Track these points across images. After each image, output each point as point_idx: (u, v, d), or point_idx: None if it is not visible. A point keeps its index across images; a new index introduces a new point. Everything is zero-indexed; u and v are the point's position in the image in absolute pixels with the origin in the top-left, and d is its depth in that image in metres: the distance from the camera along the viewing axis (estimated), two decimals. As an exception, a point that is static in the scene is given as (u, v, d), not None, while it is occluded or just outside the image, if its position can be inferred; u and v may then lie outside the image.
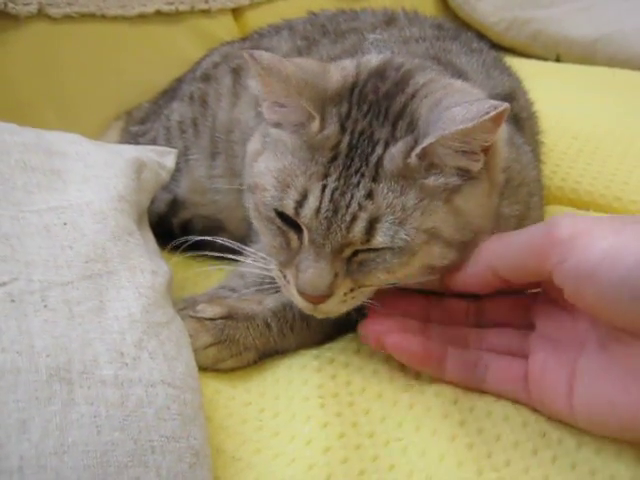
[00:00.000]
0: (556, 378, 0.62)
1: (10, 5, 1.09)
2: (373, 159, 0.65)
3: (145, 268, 0.69)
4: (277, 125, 0.70)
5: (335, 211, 0.64)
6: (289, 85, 0.66)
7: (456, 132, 0.62)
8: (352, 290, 0.68)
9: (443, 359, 0.69)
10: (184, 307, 0.78)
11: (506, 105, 0.61)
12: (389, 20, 1.03)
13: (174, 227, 1.05)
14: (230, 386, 0.72)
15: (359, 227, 0.64)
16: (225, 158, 1.01)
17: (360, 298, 0.69)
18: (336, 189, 0.65)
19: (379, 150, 0.65)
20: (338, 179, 0.65)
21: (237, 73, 1.04)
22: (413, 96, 0.69)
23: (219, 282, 0.88)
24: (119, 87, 1.26)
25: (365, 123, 0.67)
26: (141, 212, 0.81)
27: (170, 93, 1.16)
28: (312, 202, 0.65)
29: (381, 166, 0.65)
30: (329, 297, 0.67)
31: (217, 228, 1.04)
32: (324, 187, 0.65)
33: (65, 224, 0.68)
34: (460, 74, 0.83)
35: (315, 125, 0.67)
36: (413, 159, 0.64)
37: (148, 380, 0.58)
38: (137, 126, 1.14)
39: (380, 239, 0.64)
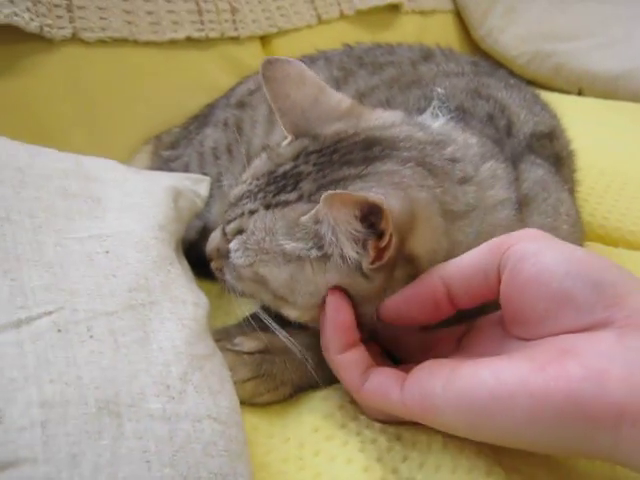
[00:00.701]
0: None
1: (46, 29, 1.10)
2: (281, 197, 0.69)
3: (187, 299, 0.69)
4: None
5: (235, 204, 0.74)
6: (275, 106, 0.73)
7: (330, 207, 0.61)
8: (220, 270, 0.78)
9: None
10: (219, 339, 0.77)
11: (376, 200, 0.58)
12: (426, 55, 1.04)
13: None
14: (267, 422, 0.71)
15: (232, 226, 0.73)
16: None
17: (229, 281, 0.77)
18: (249, 191, 0.73)
19: (291, 197, 0.68)
20: (257, 186, 0.72)
21: None
22: (358, 177, 0.66)
23: (250, 311, 0.87)
24: (149, 111, 1.27)
25: (307, 169, 0.70)
26: (178, 241, 0.81)
27: (201, 119, 1.16)
28: (237, 189, 0.75)
29: (279, 206, 0.69)
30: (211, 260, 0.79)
31: None
32: (248, 184, 0.74)
33: (107, 252, 0.68)
34: (502, 108, 0.83)
35: (286, 141, 0.74)
36: (304, 219, 0.65)
37: (195, 415, 0.57)
38: (168, 151, 1.14)
39: (231, 245, 0.73)
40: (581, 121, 1.61)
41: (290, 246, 0.67)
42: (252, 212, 0.71)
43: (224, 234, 0.76)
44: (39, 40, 1.10)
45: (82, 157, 0.85)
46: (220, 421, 0.59)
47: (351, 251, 0.62)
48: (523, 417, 0.50)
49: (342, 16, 1.68)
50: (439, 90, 0.90)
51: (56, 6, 1.13)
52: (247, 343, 0.75)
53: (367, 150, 0.69)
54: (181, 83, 1.33)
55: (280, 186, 0.70)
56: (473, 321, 0.65)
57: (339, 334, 0.64)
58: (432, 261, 0.64)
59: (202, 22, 1.36)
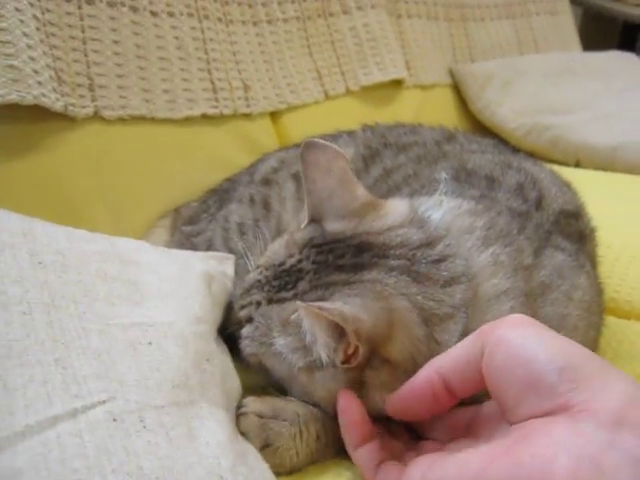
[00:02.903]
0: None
1: (70, 108, 1.13)
2: (281, 294, 0.74)
3: (219, 403, 0.71)
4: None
5: (247, 291, 0.78)
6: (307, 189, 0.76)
7: (307, 316, 0.67)
8: None
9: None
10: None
11: (339, 322, 0.63)
12: (449, 137, 1.07)
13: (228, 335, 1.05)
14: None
15: (243, 314, 0.77)
16: None
17: None
18: (259, 281, 0.77)
19: (289, 295, 0.73)
20: (265, 277, 0.76)
21: (298, 180, 1.07)
22: (346, 283, 0.70)
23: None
24: (165, 186, 1.29)
25: (307, 267, 0.74)
26: (217, 326, 0.83)
27: (221, 193, 1.18)
28: (252, 274, 0.79)
29: (278, 303, 0.73)
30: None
31: None
32: (259, 274, 0.78)
33: (150, 344, 0.70)
34: (534, 181, 0.86)
35: (304, 223, 0.77)
36: (293, 318, 0.70)
37: None
38: (189, 226, 1.15)
39: (243, 331, 0.77)
40: (581, 193, 1.65)
41: (282, 343, 0.71)
42: (258, 304, 0.76)
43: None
44: (63, 119, 1.13)
45: (113, 238, 0.86)
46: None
47: (323, 354, 0.67)
48: None
49: (348, 92, 1.72)
50: (445, 175, 0.93)
51: (79, 85, 1.17)
52: (252, 404, 0.75)
53: (358, 256, 0.72)
54: (196, 158, 1.36)
55: (283, 283, 0.74)
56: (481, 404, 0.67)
57: (351, 432, 0.67)
58: (412, 363, 0.67)
59: (216, 99, 1.40)
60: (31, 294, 0.68)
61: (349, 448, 0.67)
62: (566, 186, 0.97)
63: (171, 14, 1.34)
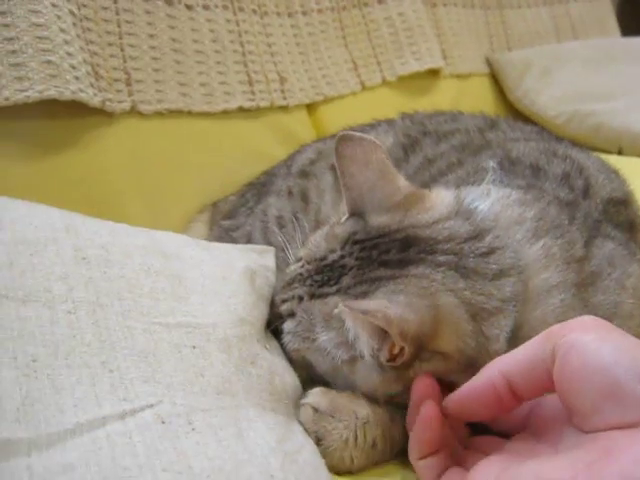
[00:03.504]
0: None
1: (107, 103, 1.12)
2: (324, 289, 0.72)
3: (267, 406, 0.69)
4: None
5: (288, 285, 0.77)
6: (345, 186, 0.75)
7: (349, 317, 0.66)
8: None
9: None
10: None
11: (385, 320, 0.62)
12: (492, 124, 1.05)
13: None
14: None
15: (285, 308, 0.76)
16: None
17: None
18: (300, 275, 0.76)
19: (332, 291, 0.71)
20: (307, 272, 0.75)
21: (336, 171, 1.04)
22: (391, 278, 0.69)
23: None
24: (203, 180, 1.28)
25: (350, 262, 0.72)
26: (264, 322, 0.81)
27: (259, 187, 1.17)
28: (293, 267, 0.78)
29: (321, 298, 0.72)
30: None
31: None
32: (300, 267, 0.76)
33: (194, 347, 0.69)
34: (580, 169, 0.83)
35: (344, 217, 0.75)
36: (335, 313, 0.67)
37: None
38: (228, 220, 1.15)
39: (284, 326, 0.76)
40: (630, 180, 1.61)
41: (325, 338, 0.70)
42: (300, 299, 0.74)
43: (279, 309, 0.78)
44: (100, 114, 1.12)
45: (154, 232, 0.85)
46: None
47: (367, 353, 0.66)
48: None
49: (384, 82, 1.70)
50: (492, 164, 0.90)
51: (116, 80, 1.16)
52: (311, 398, 0.74)
53: (404, 252, 0.70)
54: (233, 152, 1.35)
55: (325, 278, 0.73)
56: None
57: (422, 446, 0.63)
58: (462, 355, 0.66)
59: (253, 92, 1.38)
60: (76, 292, 0.67)
61: (412, 457, 0.64)
62: (614, 173, 0.94)
63: (206, 7, 1.33)
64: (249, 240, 1.06)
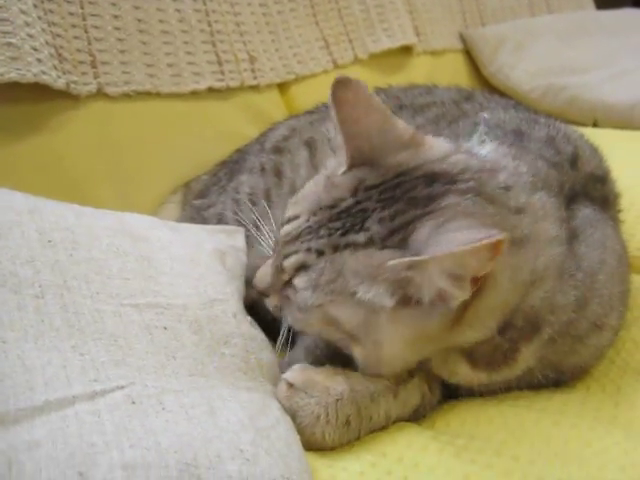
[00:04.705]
0: None
1: (72, 86, 1.10)
2: (350, 238, 0.68)
3: (241, 385, 0.69)
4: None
5: (293, 240, 0.71)
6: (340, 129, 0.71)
7: (449, 254, 0.61)
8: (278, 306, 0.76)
9: None
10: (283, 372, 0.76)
11: (502, 236, 0.59)
12: (468, 96, 1.05)
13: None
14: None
15: (292, 261, 0.71)
16: None
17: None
18: (309, 227, 0.71)
19: (360, 238, 0.67)
20: (317, 222, 0.70)
21: (311, 146, 1.04)
22: (425, 215, 0.67)
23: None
24: (173, 162, 1.26)
25: (371, 206, 0.69)
26: (240, 298, 0.80)
27: (231, 165, 1.16)
28: (291, 225, 0.72)
29: (349, 248, 0.68)
30: (266, 296, 0.77)
31: None
32: (306, 220, 0.71)
33: (165, 329, 0.68)
34: (567, 137, 0.85)
35: (341, 169, 0.72)
36: (390, 267, 0.64)
37: (269, 475, 0.57)
38: (200, 199, 1.13)
39: (297, 283, 0.71)
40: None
41: (364, 291, 0.67)
42: (319, 252, 0.69)
43: (279, 270, 0.73)
44: (66, 97, 1.11)
45: (122, 214, 0.84)
46: (292, 480, 0.58)
47: (453, 289, 0.63)
48: None
49: (356, 60, 1.69)
50: (485, 115, 0.91)
51: (81, 62, 1.14)
52: (289, 374, 0.73)
53: (430, 186, 0.68)
54: (204, 132, 1.33)
55: (347, 225, 0.69)
56: None
57: None
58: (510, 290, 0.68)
59: (222, 72, 1.37)
60: (43, 275, 0.66)
61: None
62: (595, 150, 0.94)
63: (172, -14, 1.31)
64: (220, 219, 1.05)
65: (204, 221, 1.05)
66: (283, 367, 0.77)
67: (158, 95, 1.26)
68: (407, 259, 0.63)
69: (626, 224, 1.23)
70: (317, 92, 1.51)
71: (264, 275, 0.77)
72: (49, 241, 0.70)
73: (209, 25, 1.37)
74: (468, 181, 0.68)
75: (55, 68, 1.07)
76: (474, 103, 1.01)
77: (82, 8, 1.17)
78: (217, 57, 1.36)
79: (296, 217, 0.73)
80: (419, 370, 0.79)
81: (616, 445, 0.73)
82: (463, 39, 2.09)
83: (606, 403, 0.80)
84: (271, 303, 0.77)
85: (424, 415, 0.81)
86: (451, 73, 1.97)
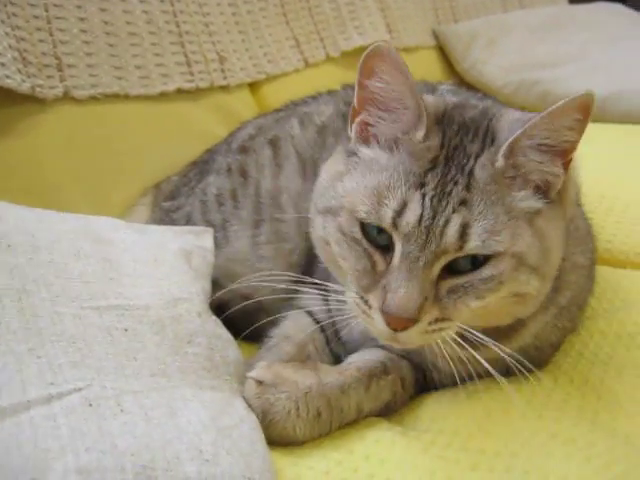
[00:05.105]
0: None
1: (38, 89, 1.10)
2: (466, 170, 0.69)
3: (205, 384, 0.69)
4: (368, 142, 0.74)
5: (433, 218, 0.67)
6: (409, 82, 0.70)
7: (543, 118, 0.67)
8: (437, 321, 0.68)
9: None
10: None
11: (592, 92, 0.66)
12: (432, 89, 1.04)
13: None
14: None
15: (452, 231, 0.67)
16: (270, 224, 1.00)
17: (441, 334, 0.70)
18: (434, 197, 0.68)
19: (471, 162, 0.70)
20: (435, 188, 0.68)
21: (275, 144, 1.04)
22: (493, 119, 0.74)
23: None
24: (144, 164, 1.26)
25: (457, 140, 0.72)
26: (205, 298, 0.80)
27: (201, 165, 1.15)
28: (413, 210, 0.68)
29: (473, 176, 0.69)
30: (414, 323, 0.67)
31: (254, 310, 1.02)
32: (423, 195, 0.68)
33: (126, 330, 0.68)
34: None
35: (420, 134, 0.71)
36: (500, 161, 0.69)
37: (230, 475, 0.57)
38: (169, 201, 1.13)
39: (472, 244, 0.67)
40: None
41: (519, 199, 0.70)
42: (462, 203, 0.68)
43: (424, 279, 0.67)
44: (32, 101, 1.10)
45: (86, 217, 0.84)
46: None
47: (551, 166, 0.70)
48: None
49: (328, 58, 1.69)
50: (444, 87, 0.97)
51: (46, 66, 1.13)
52: (257, 371, 0.73)
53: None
54: (174, 134, 1.32)
55: (456, 164, 0.70)
56: None
57: None
58: None
59: (191, 73, 1.36)
60: (0, 279, 0.66)
61: None
62: None
63: (138, -12, 1.30)
64: (189, 220, 1.05)
65: (173, 223, 1.05)
66: (247, 368, 0.77)
67: (126, 97, 1.25)
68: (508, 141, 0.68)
69: (596, 216, 1.25)
70: (289, 91, 1.51)
71: (408, 300, 0.67)
72: (8, 245, 0.70)
73: (177, 26, 1.36)
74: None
75: (19, 72, 1.06)
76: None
77: (47, 11, 1.16)
78: (186, 58, 1.36)
79: (404, 204, 0.68)
80: (397, 369, 0.80)
81: (582, 436, 0.74)
82: (436, 35, 2.10)
83: (573, 395, 0.81)
84: (429, 319, 0.69)
85: (395, 410, 0.81)
86: (424, 70, 1.97)
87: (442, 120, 0.73)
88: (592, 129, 1.78)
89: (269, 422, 0.70)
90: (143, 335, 0.69)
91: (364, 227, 0.70)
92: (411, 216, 0.67)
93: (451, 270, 0.69)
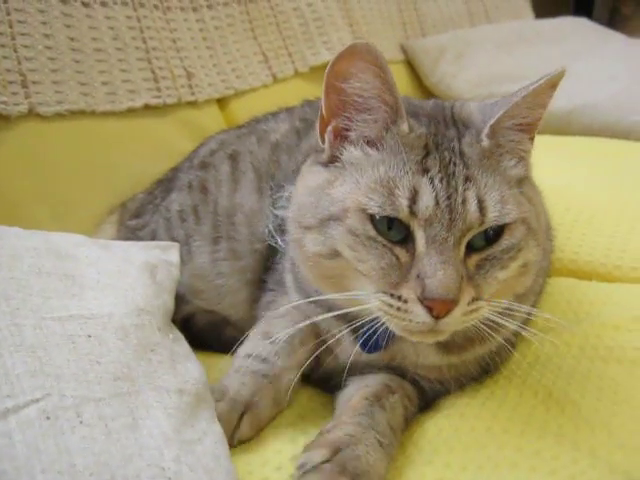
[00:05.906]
0: None
1: (2, 106, 1.09)
2: (457, 151, 0.72)
3: (170, 388, 0.68)
4: (349, 144, 0.74)
5: (449, 198, 0.69)
6: (389, 77, 0.71)
7: (525, 97, 0.72)
8: (473, 300, 0.69)
9: None
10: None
11: (564, 68, 0.72)
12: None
13: (177, 324, 1.02)
14: None
15: (473, 207, 0.69)
16: (227, 241, 1.00)
17: (478, 314, 0.71)
18: (442, 179, 0.70)
19: (456, 144, 0.72)
20: (439, 171, 0.70)
21: (234, 159, 1.04)
22: (452, 108, 0.79)
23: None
24: (111, 181, 1.25)
25: (433, 128, 0.74)
26: (166, 313, 0.80)
27: (166, 183, 1.15)
28: (427, 194, 0.69)
29: (465, 155, 0.72)
30: (456, 305, 0.67)
31: (220, 323, 1.02)
32: (431, 179, 0.70)
33: (89, 336, 0.67)
34: None
35: (405, 126, 0.72)
36: (485, 141, 0.72)
37: None
38: (134, 220, 1.12)
39: (491, 216, 0.69)
40: (539, 158, 1.64)
41: (511, 166, 0.75)
42: (467, 180, 0.71)
43: (456, 258, 0.68)
44: (-4, 118, 1.09)
45: (49, 234, 0.83)
46: (218, 497, 0.57)
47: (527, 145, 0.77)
48: None
49: (297, 74, 1.70)
50: None
51: (11, 83, 1.12)
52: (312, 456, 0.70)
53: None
54: (141, 150, 1.32)
55: (446, 148, 0.72)
56: None
57: None
58: None
59: (159, 89, 1.36)
60: (-41, 296, 0.65)
61: None
62: None
63: (104, 4, 1.30)
64: (154, 238, 1.05)
65: (139, 240, 1.04)
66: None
67: (93, 114, 1.24)
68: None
69: (562, 228, 1.26)
70: (257, 106, 1.51)
71: (449, 281, 0.67)
72: (-31, 263, 0.69)
73: (144, 42, 1.36)
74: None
75: (-18, 89, 1.05)
76: None
77: (11, 27, 1.15)
78: (153, 74, 1.36)
79: (415, 192, 0.69)
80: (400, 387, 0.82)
81: (547, 449, 0.74)
82: (404, 50, 2.12)
83: (538, 409, 0.81)
84: (467, 298, 0.69)
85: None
86: (393, 84, 1.99)
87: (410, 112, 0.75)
88: (557, 142, 1.82)
89: None
90: (107, 340, 0.68)
91: (374, 224, 0.70)
92: (428, 200, 0.68)
93: (471, 248, 0.71)
